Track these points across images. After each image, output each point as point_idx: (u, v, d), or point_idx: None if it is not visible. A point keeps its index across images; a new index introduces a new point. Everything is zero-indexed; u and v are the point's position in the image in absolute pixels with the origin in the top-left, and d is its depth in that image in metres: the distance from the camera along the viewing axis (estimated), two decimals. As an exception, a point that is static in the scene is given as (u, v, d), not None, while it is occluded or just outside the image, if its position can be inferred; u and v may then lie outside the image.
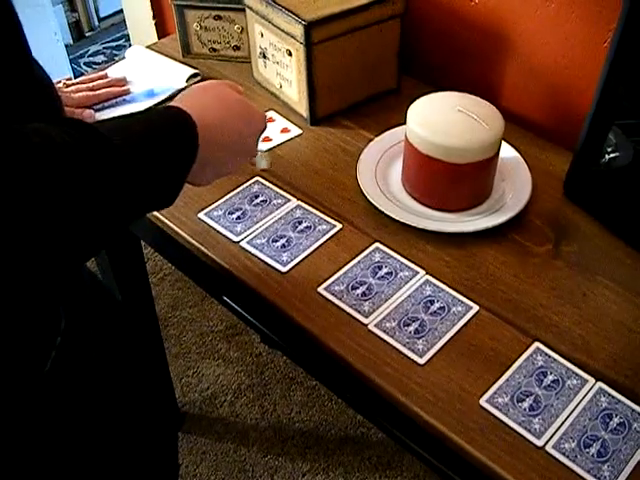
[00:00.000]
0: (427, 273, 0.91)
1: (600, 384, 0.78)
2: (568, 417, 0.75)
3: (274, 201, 1.01)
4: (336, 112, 1.19)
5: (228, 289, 1.02)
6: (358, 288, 0.89)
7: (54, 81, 0.69)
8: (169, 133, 0.65)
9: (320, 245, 0.95)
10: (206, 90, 0.78)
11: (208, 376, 1.86)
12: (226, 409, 1.78)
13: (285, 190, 1.03)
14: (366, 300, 0.87)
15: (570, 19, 1.06)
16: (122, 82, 1.24)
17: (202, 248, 0.95)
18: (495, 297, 0.88)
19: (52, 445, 0.68)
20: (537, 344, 0.82)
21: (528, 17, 1.11)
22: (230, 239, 0.96)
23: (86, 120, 1.14)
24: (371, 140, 1.10)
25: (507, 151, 1.05)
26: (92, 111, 1.16)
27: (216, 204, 1.00)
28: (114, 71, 1.29)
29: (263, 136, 0.84)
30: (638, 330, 0.84)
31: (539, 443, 0.73)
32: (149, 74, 1.28)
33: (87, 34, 3.25)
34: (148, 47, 1.38)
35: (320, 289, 0.89)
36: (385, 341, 0.83)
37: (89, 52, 3.15)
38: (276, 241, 0.95)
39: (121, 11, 2.19)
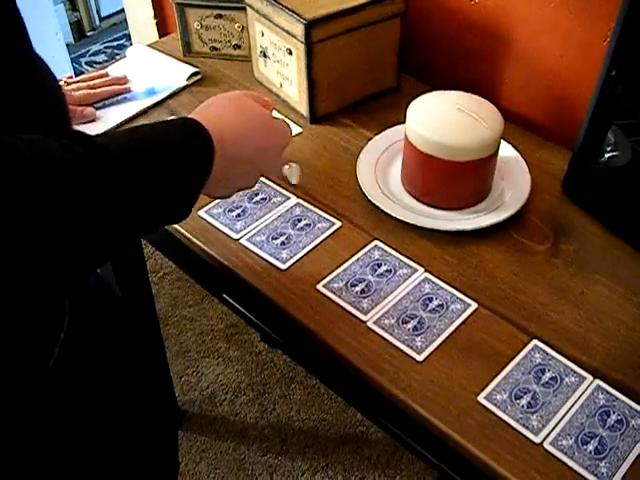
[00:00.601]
0: (426, 271, 0.91)
1: (598, 381, 0.78)
2: (566, 414, 0.75)
3: (274, 199, 1.01)
4: (336, 111, 1.19)
5: (228, 286, 1.03)
6: (357, 285, 0.89)
7: (56, 79, 0.68)
8: (180, 147, 0.63)
9: (319, 243, 0.95)
10: (226, 101, 0.76)
11: (208, 375, 1.86)
12: (226, 408, 1.78)
13: (285, 188, 1.03)
14: (365, 297, 0.88)
15: (569, 18, 1.06)
16: (123, 80, 1.25)
17: (202, 245, 0.95)
18: (494, 295, 0.88)
19: (53, 442, 0.68)
20: (535, 342, 0.83)
21: (528, 16, 1.12)
22: (230, 236, 0.96)
23: (87, 118, 1.15)
24: (371, 138, 1.11)
25: (506, 150, 1.06)
26: (93, 109, 1.17)
27: (216, 202, 1.01)
28: (115, 69, 1.29)
29: None
30: (636, 328, 0.85)
31: (537, 440, 0.73)
32: (150, 72, 1.28)
33: (88, 33, 3.26)
34: (149, 46, 1.38)
35: (319, 286, 0.89)
36: (384, 338, 0.83)
37: (90, 51, 3.16)
38: (276, 238, 0.95)
39: (122, 10, 2.19)
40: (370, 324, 0.85)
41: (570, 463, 0.71)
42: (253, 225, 0.97)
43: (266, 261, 0.93)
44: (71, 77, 1.24)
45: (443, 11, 1.23)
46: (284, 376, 1.85)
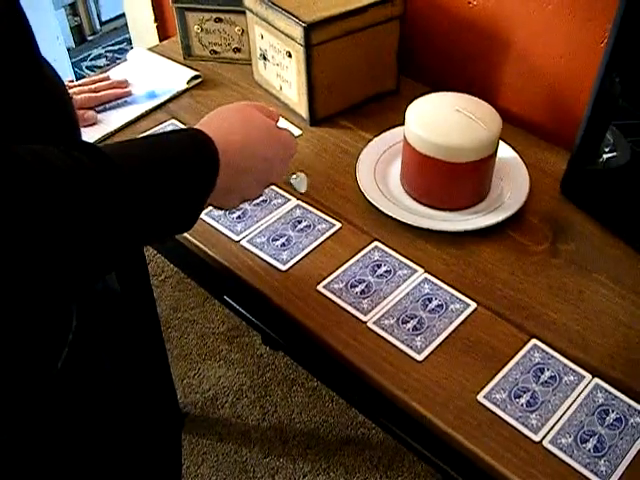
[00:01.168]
0: (425, 271, 0.92)
1: (597, 380, 0.79)
2: (565, 413, 0.76)
3: (274, 201, 1.02)
4: (335, 113, 1.20)
5: (229, 288, 1.03)
6: (357, 286, 0.90)
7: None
8: (186, 159, 0.63)
9: (320, 244, 0.96)
10: (231, 112, 0.76)
11: (209, 377, 1.86)
12: (227, 410, 1.79)
13: (285, 190, 1.03)
14: (365, 298, 0.88)
15: (567, 20, 1.07)
16: (124, 84, 1.25)
17: (203, 247, 0.96)
18: (493, 295, 0.89)
19: (58, 444, 0.69)
20: (534, 341, 0.83)
21: (526, 18, 1.12)
22: (231, 238, 0.96)
23: (88, 121, 1.16)
24: (370, 140, 1.11)
25: (505, 151, 1.06)
26: (94, 112, 1.17)
27: (217, 204, 1.01)
28: (116, 73, 1.30)
29: None
30: (634, 327, 0.85)
31: (536, 438, 0.74)
32: (150, 76, 1.29)
33: (89, 38, 3.27)
34: (149, 49, 1.39)
35: (319, 287, 0.90)
36: (384, 338, 0.84)
37: (91, 56, 3.17)
38: (276, 240, 0.96)
39: (123, 15, 2.20)
40: (370, 324, 0.85)
41: (569, 461, 0.72)
42: (254, 227, 0.98)
43: (267, 262, 0.93)
44: (72, 81, 1.25)
45: (441, 13, 1.23)
46: (285, 378, 1.86)
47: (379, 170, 1.06)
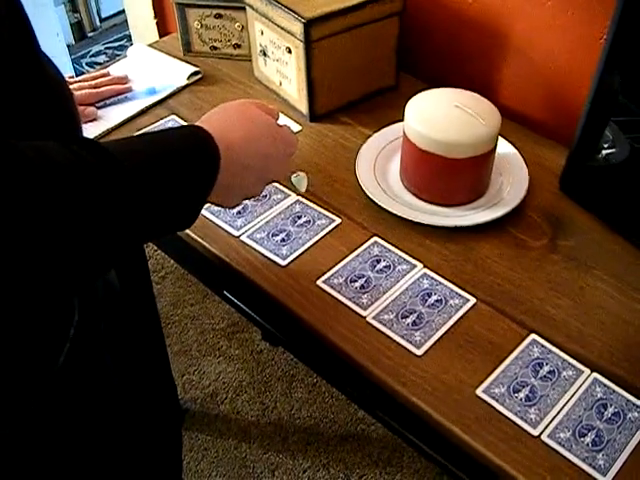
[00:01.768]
0: (425, 266, 0.92)
1: (595, 375, 0.79)
2: (563, 407, 0.76)
3: (274, 196, 1.02)
4: (335, 109, 1.20)
5: (228, 283, 1.04)
6: (357, 281, 0.90)
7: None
8: (187, 155, 0.63)
9: (319, 239, 0.96)
10: (232, 110, 0.76)
11: (209, 373, 1.87)
12: (227, 406, 1.79)
13: (285, 185, 1.04)
14: (364, 293, 0.88)
15: (566, 16, 1.07)
16: (124, 80, 1.25)
17: (203, 242, 0.96)
18: (492, 290, 0.89)
19: (59, 440, 0.69)
20: (533, 336, 0.83)
21: (524, 14, 1.12)
22: (230, 233, 0.97)
23: (89, 117, 1.16)
24: (370, 136, 1.11)
25: (504, 147, 1.06)
26: (94, 108, 1.17)
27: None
28: (116, 69, 1.30)
29: None
30: (633, 322, 0.85)
31: (535, 433, 0.74)
32: (150, 72, 1.29)
33: (89, 34, 3.27)
34: (149, 46, 1.39)
35: (319, 282, 0.90)
36: (383, 333, 0.84)
37: (91, 52, 3.17)
38: (276, 235, 0.96)
39: (123, 11, 2.21)
40: (370, 319, 0.85)
41: (568, 455, 0.72)
42: (254, 222, 0.98)
43: (266, 257, 0.93)
44: (72, 77, 1.25)
45: (441, 9, 1.24)
46: (285, 374, 1.86)
47: (379, 166, 1.06)
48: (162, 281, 2.10)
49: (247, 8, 1.21)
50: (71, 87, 1.18)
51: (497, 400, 0.77)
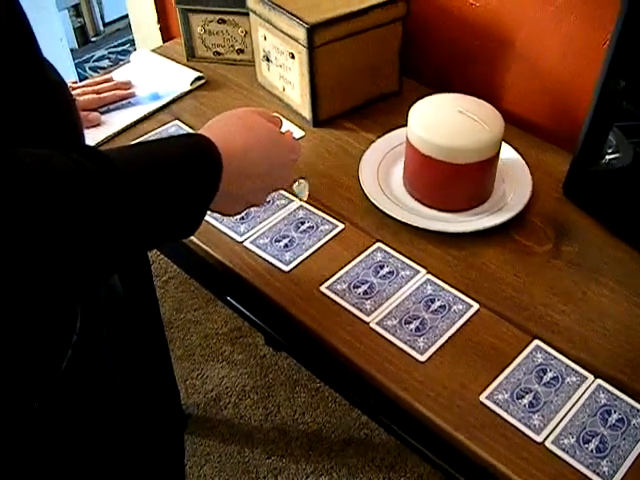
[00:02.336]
0: (428, 272, 0.92)
1: (599, 381, 0.79)
2: (567, 413, 0.76)
3: (277, 201, 1.02)
4: (338, 114, 1.20)
5: (231, 289, 1.04)
6: (360, 287, 0.90)
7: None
8: (189, 164, 0.63)
9: (322, 245, 0.96)
10: (234, 118, 0.76)
11: (212, 378, 1.86)
12: (230, 411, 1.79)
13: (288, 191, 1.04)
14: (368, 299, 0.88)
15: (570, 21, 1.07)
16: (127, 85, 1.26)
17: (206, 248, 0.96)
18: (495, 296, 0.89)
19: (62, 446, 0.69)
20: (537, 342, 0.83)
21: (528, 19, 1.12)
22: (234, 239, 0.97)
23: (92, 122, 1.16)
24: (373, 142, 1.11)
25: (507, 152, 1.06)
26: (98, 114, 1.18)
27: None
28: (119, 74, 1.30)
29: None
30: (637, 328, 0.85)
31: (539, 439, 0.74)
32: (154, 77, 1.29)
33: (92, 39, 3.28)
34: (153, 51, 1.39)
35: (322, 288, 0.90)
36: (386, 339, 0.84)
37: (94, 57, 3.17)
38: (279, 241, 0.96)
39: (126, 16, 2.21)
40: (373, 325, 0.85)
41: (571, 462, 0.72)
42: (257, 228, 0.98)
43: (269, 263, 0.93)
44: (75, 82, 1.26)
45: (444, 14, 1.24)
46: (288, 379, 1.86)
47: (382, 171, 1.06)
48: (165, 285, 2.10)
49: (250, 13, 1.21)
50: (74, 92, 1.19)
51: (501, 406, 0.77)
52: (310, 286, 0.90)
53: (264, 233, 0.97)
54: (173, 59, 1.35)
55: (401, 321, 0.86)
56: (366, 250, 0.95)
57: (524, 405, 0.77)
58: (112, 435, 0.77)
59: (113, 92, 1.22)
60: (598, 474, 0.71)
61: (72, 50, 2.95)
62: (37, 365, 0.63)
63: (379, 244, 0.96)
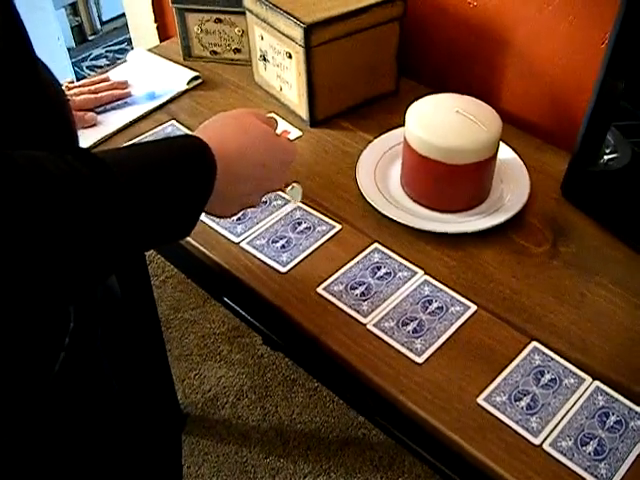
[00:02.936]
0: (426, 273, 0.91)
1: (597, 383, 0.79)
2: (565, 415, 0.76)
3: (274, 202, 1.02)
4: (335, 114, 1.19)
5: (228, 290, 1.03)
6: (357, 288, 0.89)
7: (57, 84, 0.68)
8: (183, 165, 0.63)
9: (319, 246, 0.95)
10: (229, 119, 0.75)
11: (210, 378, 1.86)
12: (228, 411, 1.79)
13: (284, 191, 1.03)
14: (365, 300, 0.88)
15: (568, 21, 1.07)
16: (124, 85, 1.25)
17: (203, 249, 0.95)
18: (493, 297, 0.89)
19: (57, 447, 0.69)
20: (534, 343, 0.83)
21: (526, 19, 1.12)
22: (230, 240, 0.96)
23: (88, 122, 1.16)
24: (370, 142, 1.11)
25: (505, 152, 1.06)
26: (94, 114, 1.17)
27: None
28: (116, 74, 1.30)
29: None
30: (635, 329, 0.85)
31: (536, 441, 0.73)
32: (150, 77, 1.29)
33: (90, 38, 3.27)
34: (149, 50, 1.39)
35: (319, 289, 0.89)
36: (384, 340, 0.83)
37: (91, 55, 3.17)
38: (276, 242, 0.96)
39: (123, 15, 2.20)
40: (370, 326, 0.85)
41: (569, 464, 0.71)
42: (254, 228, 0.98)
43: (266, 264, 0.93)
44: (72, 82, 1.25)
45: (442, 14, 1.23)
46: (286, 379, 1.86)
47: (379, 171, 1.06)
48: (162, 285, 2.10)
49: (247, 13, 1.20)
50: (71, 92, 1.19)
51: (498, 408, 0.76)
52: (307, 287, 0.90)
53: (261, 234, 0.97)
54: (170, 58, 1.34)
55: (398, 323, 0.85)
56: (363, 251, 0.95)
57: (522, 407, 0.76)
58: (108, 435, 0.77)
59: (109, 92, 1.22)
60: (596, 477, 0.70)
61: (69, 49, 2.95)
62: (29, 368, 0.63)
63: (376, 245, 0.95)
